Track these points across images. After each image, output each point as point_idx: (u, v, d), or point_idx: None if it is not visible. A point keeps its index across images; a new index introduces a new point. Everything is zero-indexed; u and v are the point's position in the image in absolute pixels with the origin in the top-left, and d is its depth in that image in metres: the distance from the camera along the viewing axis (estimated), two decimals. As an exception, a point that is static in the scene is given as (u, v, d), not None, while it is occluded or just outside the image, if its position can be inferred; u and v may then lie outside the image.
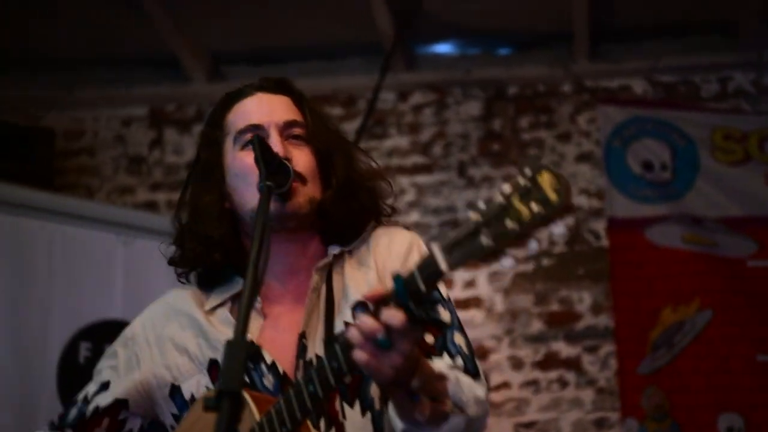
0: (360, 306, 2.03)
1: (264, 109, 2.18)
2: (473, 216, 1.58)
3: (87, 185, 5.77)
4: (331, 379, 1.80)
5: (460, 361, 2.04)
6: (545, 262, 5.51)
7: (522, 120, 5.72)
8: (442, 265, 1.62)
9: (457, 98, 5.79)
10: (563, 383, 5.36)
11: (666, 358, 5.23)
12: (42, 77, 5.82)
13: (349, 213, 2.15)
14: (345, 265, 2.16)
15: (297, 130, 2.17)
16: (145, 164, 5.81)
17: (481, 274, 5.50)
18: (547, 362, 5.39)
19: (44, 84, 5.80)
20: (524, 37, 5.77)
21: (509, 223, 1.54)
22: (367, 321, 1.71)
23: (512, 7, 5.44)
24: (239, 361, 1.60)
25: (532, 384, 5.38)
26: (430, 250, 1.66)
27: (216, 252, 2.14)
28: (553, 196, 1.53)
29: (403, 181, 5.69)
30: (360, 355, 1.73)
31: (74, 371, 4.31)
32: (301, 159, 2.13)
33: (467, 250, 1.59)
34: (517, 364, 5.40)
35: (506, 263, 1.57)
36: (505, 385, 5.38)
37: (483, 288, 5.50)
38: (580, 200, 5.56)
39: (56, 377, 4.33)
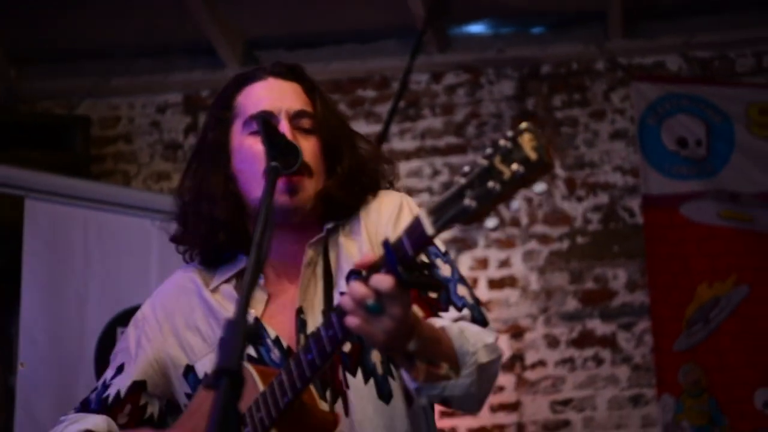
0: (353, 275, 2.04)
1: (275, 95, 2.18)
2: (459, 179, 1.61)
3: (124, 172, 5.84)
4: (327, 346, 1.84)
5: (466, 311, 2.06)
6: (580, 240, 5.50)
7: (556, 98, 5.71)
8: (428, 228, 1.66)
9: (490, 78, 5.79)
10: (599, 361, 5.36)
11: (702, 334, 5.21)
12: (76, 66, 5.88)
13: (350, 195, 2.17)
14: (339, 237, 2.18)
15: (306, 121, 2.17)
16: (180, 150, 5.87)
17: (516, 254, 5.51)
18: (583, 340, 5.39)
19: (79, 72, 5.86)
20: (557, 15, 5.75)
21: (491, 184, 1.57)
22: (357, 287, 1.75)
23: (545, -16, 5.43)
24: (238, 338, 1.62)
25: (568, 362, 5.38)
26: (416, 214, 1.70)
27: (221, 232, 2.15)
28: (533, 155, 1.55)
29: (437, 161, 5.70)
30: (352, 321, 1.76)
31: (112, 357, 4.36)
32: (309, 150, 2.13)
33: (452, 212, 1.62)
34: (552, 342, 5.41)
35: (490, 224, 1.59)
36: (540, 363, 5.39)
37: (518, 267, 5.51)
38: (614, 178, 5.55)
39: (94, 363, 4.39)
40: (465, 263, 5.49)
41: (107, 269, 4.50)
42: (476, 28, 5.86)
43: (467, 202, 1.59)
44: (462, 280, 2.12)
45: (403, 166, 5.73)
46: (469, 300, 2.09)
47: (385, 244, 1.73)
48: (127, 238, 4.55)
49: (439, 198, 1.65)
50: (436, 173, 5.70)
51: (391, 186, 2.25)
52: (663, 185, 5.38)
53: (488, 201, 1.58)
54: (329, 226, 2.17)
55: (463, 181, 1.60)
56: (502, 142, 1.57)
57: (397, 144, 5.74)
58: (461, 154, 5.71)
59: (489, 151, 1.58)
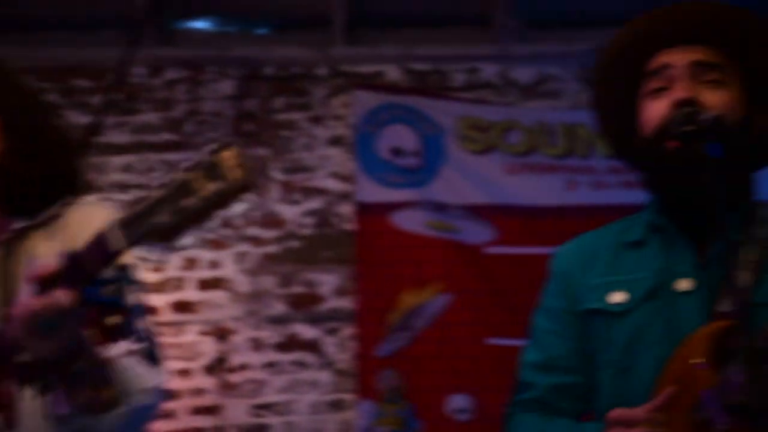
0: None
1: None
2: (156, 193, 1.54)
3: None
4: None
5: (141, 345, 1.97)
6: (293, 244, 5.51)
7: (276, 101, 5.70)
8: (117, 243, 1.57)
9: (212, 76, 5.71)
10: (303, 365, 5.39)
11: (404, 341, 5.33)
12: None
13: (38, 178, 2.02)
14: (32, 238, 2.02)
15: None
16: None
17: (228, 255, 5.46)
18: (288, 344, 5.40)
19: None
20: (282, 18, 5.75)
21: (188, 201, 1.51)
22: (31, 299, 1.64)
23: (271, -14, 5.42)
24: None
25: (273, 366, 5.38)
26: (105, 226, 1.59)
27: None
28: (233, 174, 1.50)
29: (153, 157, 5.57)
30: (17, 333, 1.67)
31: None
32: None
33: (144, 228, 1.54)
34: (258, 345, 5.39)
35: (187, 242, 1.54)
36: (244, 366, 5.36)
37: (228, 269, 5.45)
38: (329, 183, 5.59)
39: None
40: (174, 263, 5.39)
41: None
42: (200, 25, 5.78)
43: (162, 218, 1.51)
44: (143, 312, 2.03)
45: (117, 161, 5.58)
46: (146, 334, 2.00)
47: (68, 256, 1.64)
48: None
49: (131, 210, 1.56)
50: (150, 169, 5.56)
51: (89, 188, 2.13)
52: (376, 193, 5.47)
53: (183, 219, 1.51)
54: (19, 225, 2.01)
55: (158, 194, 1.52)
56: (204, 158, 1.51)
57: (112, 137, 5.57)
58: (178, 151, 5.60)
59: (188, 166, 1.52)
